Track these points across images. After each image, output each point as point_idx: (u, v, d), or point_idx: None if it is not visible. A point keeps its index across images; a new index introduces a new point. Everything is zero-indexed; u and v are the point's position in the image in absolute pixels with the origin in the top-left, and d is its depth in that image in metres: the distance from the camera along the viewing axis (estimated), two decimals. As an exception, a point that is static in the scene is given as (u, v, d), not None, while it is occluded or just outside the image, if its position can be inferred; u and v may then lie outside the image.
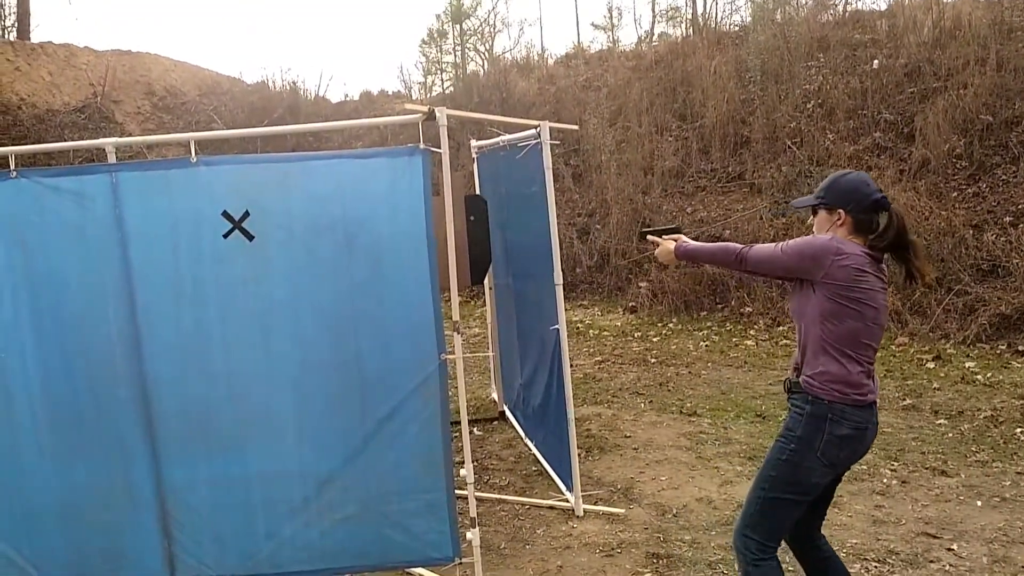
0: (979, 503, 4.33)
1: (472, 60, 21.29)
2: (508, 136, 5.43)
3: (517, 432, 6.05)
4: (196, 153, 3.37)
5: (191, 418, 3.49)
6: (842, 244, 2.65)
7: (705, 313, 9.83)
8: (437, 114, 3.42)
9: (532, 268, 5.25)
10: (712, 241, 9.82)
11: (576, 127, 6.17)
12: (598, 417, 6.32)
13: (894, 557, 3.76)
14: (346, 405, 3.51)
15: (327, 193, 3.37)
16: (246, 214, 3.34)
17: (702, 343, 8.69)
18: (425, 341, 3.47)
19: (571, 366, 8.18)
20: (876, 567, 3.67)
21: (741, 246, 2.88)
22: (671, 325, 9.60)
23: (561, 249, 12.45)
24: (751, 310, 9.39)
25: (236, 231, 3.34)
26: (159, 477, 3.52)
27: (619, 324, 10.02)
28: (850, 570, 3.60)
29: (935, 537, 3.95)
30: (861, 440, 2.69)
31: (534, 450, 5.57)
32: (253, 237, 3.36)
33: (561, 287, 4.59)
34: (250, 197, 3.36)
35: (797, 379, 2.76)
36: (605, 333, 9.61)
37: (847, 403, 2.64)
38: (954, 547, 3.84)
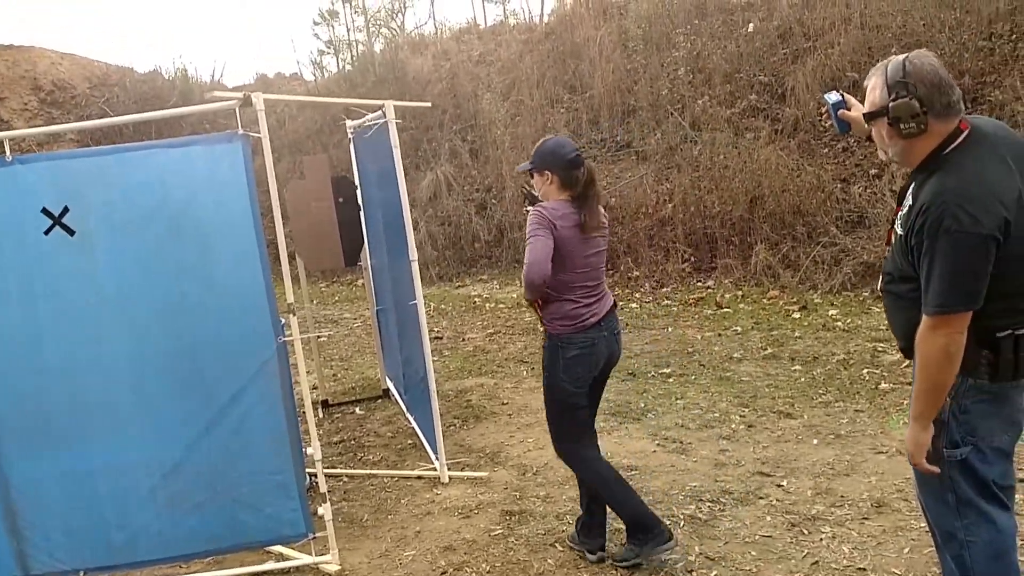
0: (815, 441, 4.63)
1: (378, 38, 21.06)
2: (371, 115, 5.47)
3: (400, 408, 6.16)
4: (12, 152, 3.36)
5: (28, 414, 3.50)
6: (551, 208, 3.17)
7: (596, 280, 10.07)
8: (254, 99, 3.47)
9: (394, 246, 5.34)
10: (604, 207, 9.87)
11: (428, 104, 6.24)
12: (480, 387, 6.48)
13: (728, 496, 4.01)
14: (185, 393, 3.56)
15: (146, 184, 3.41)
16: (65, 210, 3.35)
17: (590, 309, 8.93)
18: (260, 325, 3.53)
19: (463, 340, 8.37)
20: (709, 507, 3.91)
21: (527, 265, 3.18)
22: (564, 293, 9.81)
23: (459, 225, 12.59)
24: (638, 274, 9.67)
25: (57, 227, 3.35)
26: (0, 475, 3.52)
27: (515, 296, 10.18)
28: (685, 511, 3.89)
29: (768, 475, 4.22)
30: (592, 354, 3.29)
31: (413, 424, 5.69)
32: (74, 232, 3.37)
33: (416, 263, 4.69)
34: (69, 192, 3.38)
35: None
36: (501, 306, 9.78)
37: (570, 331, 3.24)
38: (784, 483, 4.11)
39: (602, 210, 3.36)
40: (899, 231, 2.32)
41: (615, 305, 3.45)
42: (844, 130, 2.79)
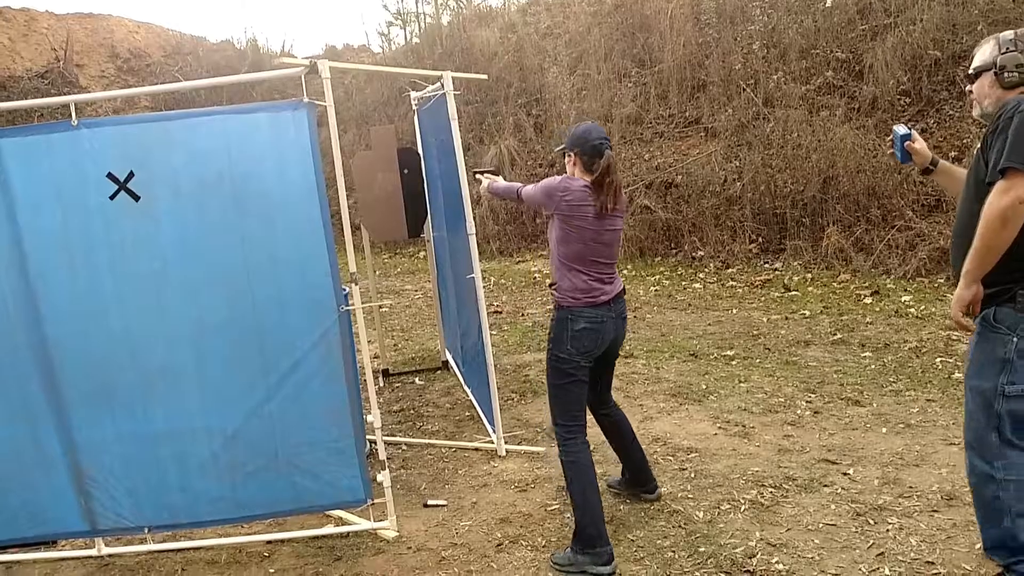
0: (884, 430, 4.47)
1: (444, 10, 20.97)
2: (432, 87, 5.44)
3: (459, 380, 6.17)
4: (78, 115, 3.42)
5: (94, 378, 3.55)
6: (570, 182, 3.29)
7: (659, 259, 9.93)
8: (320, 67, 3.45)
9: (454, 219, 5.31)
10: (666, 186, 9.77)
11: (485, 76, 6.11)
12: (539, 363, 6.44)
13: (791, 483, 3.90)
14: (246, 361, 3.57)
15: (211, 150, 3.41)
16: (131, 175, 3.38)
17: (652, 288, 8.81)
18: (322, 294, 3.54)
19: (522, 315, 8.34)
20: (772, 492, 3.81)
21: (521, 185, 3.65)
22: (626, 272, 9.70)
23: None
24: (703, 254, 9.49)
25: (122, 192, 3.39)
26: (68, 437, 3.59)
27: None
28: (747, 495, 3.79)
29: (834, 463, 4.09)
30: (600, 330, 3.37)
31: (471, 396, 5.70)
32: (139, 197, 3.40)
33: (474, 237, 4.65)
34: (134, 157, 3.40)
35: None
36: (561, 281, 9.71)
37: (581, 305, 3.32)
38: (850, 472, 3.98)
39: (623, 197, 3.45)
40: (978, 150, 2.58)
41: (624, 291, 3.53)
42: (906, 160, 3.15)
